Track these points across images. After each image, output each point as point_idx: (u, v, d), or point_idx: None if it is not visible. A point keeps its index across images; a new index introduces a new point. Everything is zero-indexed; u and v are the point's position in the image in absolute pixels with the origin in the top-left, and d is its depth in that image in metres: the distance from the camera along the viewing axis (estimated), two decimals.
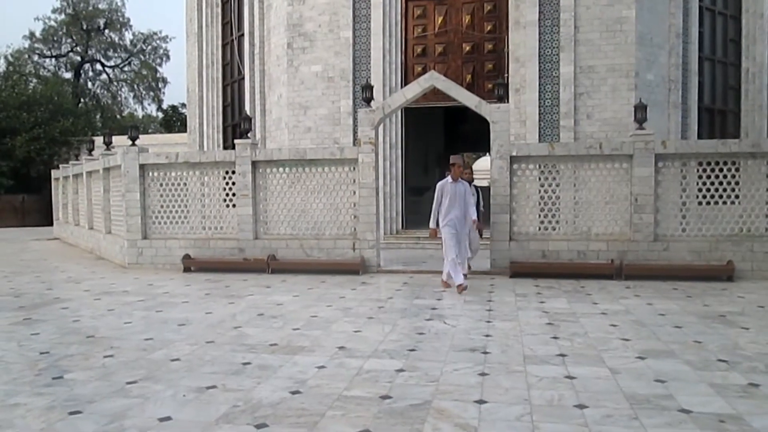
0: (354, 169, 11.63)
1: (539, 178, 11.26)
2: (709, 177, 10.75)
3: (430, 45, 16.25)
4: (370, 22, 15.83)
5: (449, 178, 9.61)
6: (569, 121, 14.95)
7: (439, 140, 25.68)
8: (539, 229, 11.21)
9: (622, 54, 14.92)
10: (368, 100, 11.72)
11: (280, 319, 7.47)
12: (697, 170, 10.80)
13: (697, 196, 10.75)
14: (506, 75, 15.41)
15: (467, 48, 16.05)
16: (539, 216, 11.20)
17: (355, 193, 11.62)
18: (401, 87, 15.20)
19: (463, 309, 7.94)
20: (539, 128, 15.09)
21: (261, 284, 10.25)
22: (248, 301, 8.72)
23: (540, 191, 11.21)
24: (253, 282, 10.49)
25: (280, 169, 12.07)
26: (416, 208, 17.17)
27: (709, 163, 10.76)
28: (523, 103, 15.23)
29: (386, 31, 15.86)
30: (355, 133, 15.37)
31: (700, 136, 16.41)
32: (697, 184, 10.77)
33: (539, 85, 15.14)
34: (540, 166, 11.24)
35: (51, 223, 24.58)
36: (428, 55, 16.24)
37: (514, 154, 11.14)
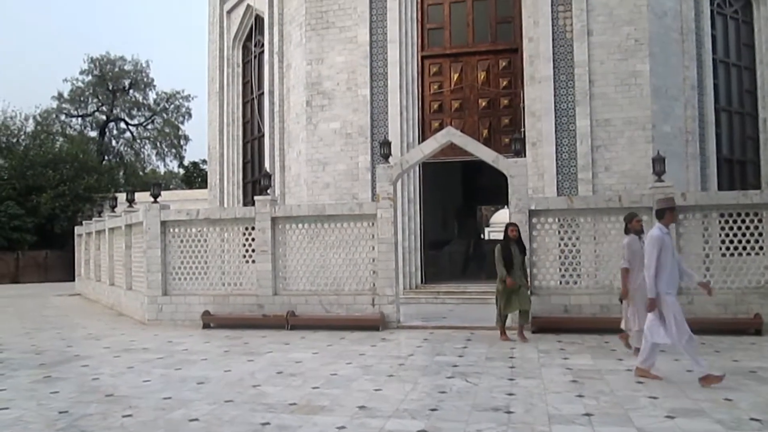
0: (373, 224, 11.67)
1: (559, 232, 11.22)
2: (731, 228, 10.63)
3: (447, 101, 16.50)
4: (387, 79, 16.15)
5: (660, 227, 6.83)
6: (587, 173, 14.97)
7: (456, 194, 25.79)
8: (560, 282, 11.09)
9: (637, 107, 15.02)
10: (386, 156, 11.85)
11: (300, 377, 7.39)
12: (719, 222, 10.69)
13: (720, 248, 10.61)
14: (522, 129, 15.55)
15: (483, 103, 16.28)
16: (560, 269, 11.09)
17: (374, 248, 11.64)
18: (418, 143, 15.37)
19: (484, 366, 7.81)
20: (557, 181, 15.12)
21: (280, 341, 10.18)
22: (267, 359, 8.66)
23: (560, 244, 11.14)
24: (272, 339, 10.43)
25: (300, 225, 12.15)
26: (435, 262, 17.14)
27: (731, 215, 10.66)
28: (540, 156, 15.31)
29: (403, 88, 16.16)
30: (373, 188, 15.50)
31: (720, 187, 16.32)
32: (720, 235, 10.65)
33: (556, 138, 15.25)
34: (559, 220, 11.21)
35: (73, 279, 24.80)
36: (445, 111, 16.47)
37: (532, 207, 11.14)
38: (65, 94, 46.10)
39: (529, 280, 10.47)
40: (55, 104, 45.66)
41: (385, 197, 11.52)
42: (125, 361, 8.75)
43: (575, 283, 11.06)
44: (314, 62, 16.71)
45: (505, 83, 16.23)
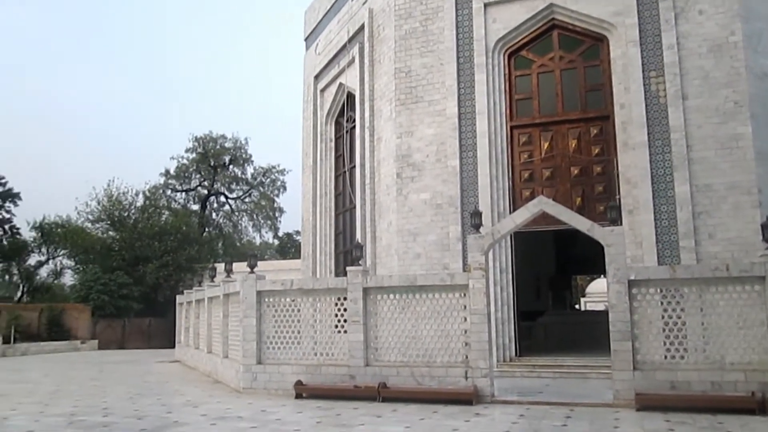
0: (464, 294, 11.54)
1: (661, 303, 10.67)
2: None
3: (537, 170, 16.38)
4: (476, 150, 16.25)
5: None
6: (689, 241, 14.27)
7: (549, 263, 25.18)
8: (665, 357, 10.46)
9: (741, 171, 14.33)
10: (477, 226, 11.81)
11: None
12: None
13: None
14: (618, 197, 15.14)
15: (575, 171, 16.03)
16: (664, 343, 10.48)
17: (466, 319, 11.46)
18: (509, 212, 15.25)
19: None
20: (657, 250, 14.48)
21: (372, 413, 10.08)
22: None
23: (663, 316, 10.57)
24: (364, 411, 10.34)
25: (391, 296, 12.18)
26: (529, 334, 16.64)
27: None
28: (638, 224, 14.79)
29: (492, 159, 16.19)
30: (464, 258, 15.39)
31: None
32: None
33: (654, 205, 14.71)
34: (661, 290, 10.69)
35: (174, 346, 25.73)
36: (535, 180, 16.33)
37: (632, 278, 10.70)
38: (171, 171, 49.26)
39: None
40: (162, 180, 48.85)
41: (476, 267, 11.41)
42: (220, 429, 8.92)
43: (682, 357, 10.40)
44: (404, 135, 17.11)
45: (597, 150, 15.97)
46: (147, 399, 12.50)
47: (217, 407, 11.16)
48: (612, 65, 15.74)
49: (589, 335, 16.92)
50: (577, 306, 40.09)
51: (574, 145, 16.14)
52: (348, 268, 12.64)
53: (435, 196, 16.42)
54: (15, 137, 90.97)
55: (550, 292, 25.76)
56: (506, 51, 16.81)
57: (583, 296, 45.61)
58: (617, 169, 15.43)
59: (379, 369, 11.85)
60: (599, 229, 11.08)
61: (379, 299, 12.25)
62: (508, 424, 8.96)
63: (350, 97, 20.66)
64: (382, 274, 16.46)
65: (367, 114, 18.87)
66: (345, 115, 21.49)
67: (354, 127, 20.08)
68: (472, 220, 11.96)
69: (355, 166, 19.67)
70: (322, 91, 22.83)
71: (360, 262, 12.74)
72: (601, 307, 31.92)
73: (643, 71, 15.25)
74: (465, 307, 11.50)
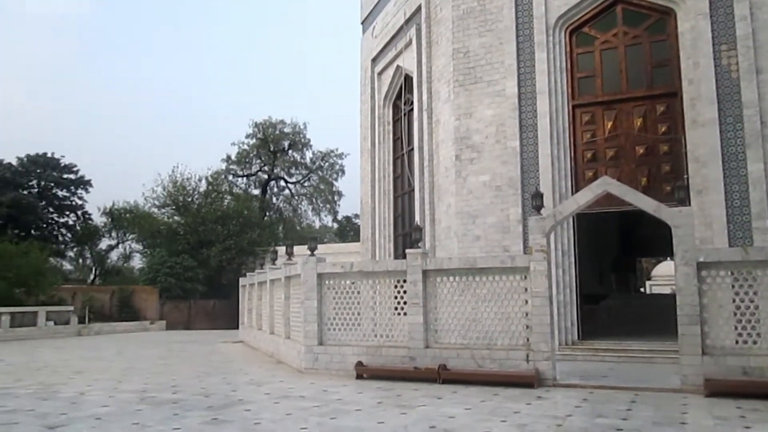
0: (525, 277, 11.39)
1: (733, 286, 10.27)
2: None
3: (601, 150, 15.95)
4: (537, 130, 15.95)
5: None
6: (763, 222, 13.66)
7: (613, 246, 24.58)
8: (737, 342, 10.09)
9: None
10: (538, 208, 11.62)
11: None
12: None
13: None
14: (686, 176, 14.60)
15: (641, 151, 15.53)
16: (736, 328, 10.11)
17: (527, 302, 11.32)
18: (571, 193, 14.92)
19: (652, 431, 7.23)
20: (728, 231, 13.92)
21: (432, 394, 10.11)
22: (420, 413, 8.62)
23: (735, 300, 10.19)
24: (424, 392, 10.38)
25: (451, 278, 12.14)
26: (592, 317, 16.29)
27: None
28: (707, 205, 14.23)
29: (554, 139, 15.85)
30: (525, 240, 15.18)
31: None
32: None
33: (724, 185, 14.12)
34: (733, 273, 10.28)
35: (237, 327, 26.43)
36: (599, 160, 15.91)
37: (701, 260, 10.33)
38: (233, 156, 50.28)
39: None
40: (224, 165, 49.94)
41: (538, 249, 11.24)
42: (284, 408, 9.11)
43: (755, 343, 10.01)
44: (462, 117, 16.93)
45: (663, 129, 15.41)
46: (213, 378, 12.89)
47: (280, 386, 11.41)
48: (679, 39, 15.12)
49: (655, 319, 16.47)
50: (641, 289, 39.09)
51: (639, 123, 15.63)
52: (407, 251, 12.65)
53: (495, 177, 16.21)
54: (85, 126, 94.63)
55: (613, 275, 25.21)
56: (567, 28, 16.37)
57: (649, 279, 44.41)
58: (685, 147, 14.86)
59: (439, 351, 11.87)
60: (666, 209, 10.72)
61: (439, 281, 12.23)
62: (571, 408, 8.84)
63: (408, 79, 20.57)
64: (441, 256, 16.41)
65: (425, 96, 18.74)
66: (403, 97, 21.42)
67: (412, 109, 20.00)
68: (533, 202, 11.78)
69: (413, 149, 19.62)
70: (380, 74, 22.80)
71: (419, 244, 12.73)
72: (667, 290, 31.03)
73: (713, 45, 14.59)
74: (526, 289, 11.37)
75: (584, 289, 16.11)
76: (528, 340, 11.26)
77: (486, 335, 11.66)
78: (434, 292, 12.23)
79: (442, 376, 11.32)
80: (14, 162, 42.13)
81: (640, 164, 15.54)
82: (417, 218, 18.46)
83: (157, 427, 7.79)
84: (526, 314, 11.31)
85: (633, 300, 23.21)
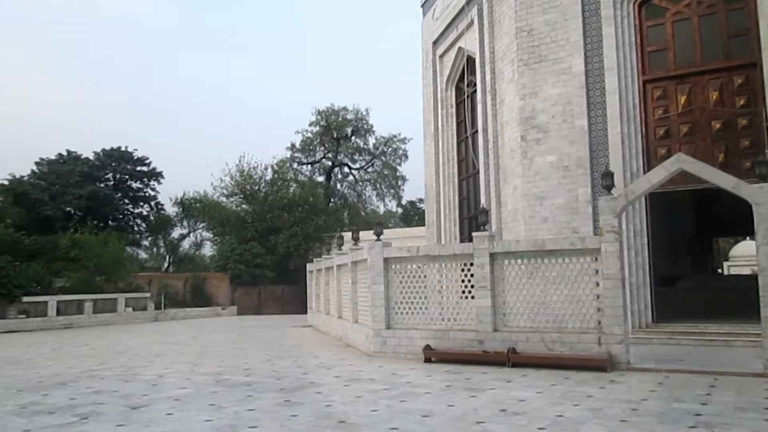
0: (596, 259, 11.12)
1: None
2: None
3: (674, 126, 15.33)
4: (605, 108, 15.46)
5: None
6: None
7: (688, 225, 23.67)
8: None
9: None
10: (609, 188, 11.29)
11: (524, 416, 7.19)
12: None
13: None
14: (767, 151, 13.87)
15: (717, 125, 14.84)
16: None
17: (598, 284, 11.06)
18: (643, 172, 14.42)
19: (734, 417, 6.95)
20: None
21: (501, 378, 10.04)
22: (490, 396, 8.57)
23: None
24: (493, 375, 10.31)
25: (518, 261, 11.98)
26: (667, 299, 15.75)
27: None
28: None
29: (623, 116, 15.34)
30: (595, 221, 14.79)
31: None
32: None
33: None
34: None
35: (305, 311, 26.93)
36: (672, 137, 15.30)
37: None
38: (297, 144, 50.98)
39: None
40: (288, 154, 50.71)
41: (609, 230, 10.94)
42: (354, 391, 9.24)
43: None
44: (527, 96, 16.57)
45: (742, 102, 14.66)
46: (284, 361, 13.18)
47: (350, 369, 11.56)
48: (759, 6, 14.28)
49: (734, 301, 15.76)
50: (719, 270, 37.59)
51: (715, 96, 14.93)
52: (474, 234, 12.55)
53: (562, 158, 15.83)
54: (155, 119, 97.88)
55: (689, 255, 24.28)
56: (636, 1, 15.75)
57: (726, 260, 42.66)
58: (766, 121, 14.11)
59: (508, 334, 11.76)
60: (746, 186, 10.22)
61: (506, 264, 12.09)
62: (646, 392, 8.60)
63: (470, 60, 20.29)
64: (508, 239, 16.21)
65: (488, 77, 18.45)
66: (465, 79, 21.15)
67: (475, 91, 19.74)
68: (603, 182, 11.47)
69: (477, 131, 19.39)
70: (441, 56, 22.58)
71: (486, 227, 12.60)
72: (747, 271, 29.72)
73: None
74: (597, 271, 11.10)
75: (658, 270, 15.58)
76: (600, 323, 11.01)
77: (556, 318, 11.47)
78: (502, 275, 12.10)
79: (512, 360, 11.22)
80: (91, 157, 44.06)
81: (717, 140, 14.86)
82: (482, 201, 18.27)
83: (233, 408, 8.04)
84: (598, 297, 11.06)
85: (710, 281, 22.32)
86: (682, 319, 15.07)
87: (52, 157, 43.03)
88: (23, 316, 25.49)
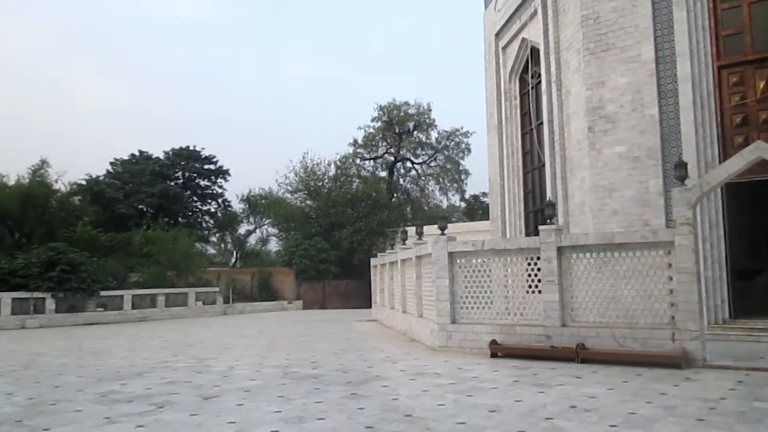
0: (669, 252, 10.74)
1: None
2: None
3: (752, 113, 14.63)
4: (677, 96, 14.89)
5: None
6: None
7: None
8: None
9: None
10: (682, 179, 10.89)
11: (595, 413, 7.03)
12: None
13: None
14: None
15: None
16: None
17: (671, 278, 10.68)
18: (719, 161, 13.85)
19: None
20: None
21: (570, 374, 9.84)
22: (558, 391, 8.41)
23: None
24: (562, 371, 10.11)
25: (587, 254, 11.69)
26: (745, 294, 15.07)
27: None
28: None
29: (697, 104, 14.74)
30: (667, 213, 14.29)
31: None
32: None
33: None
34: None
35: (369, 306, 27.12)
36: (750, 124, 14.61)
37: None
38: (359, 140, 51.34)
39: None
40: (351, 149, 51.15)
41: (683, 223, 10.54)
42: (420, 385, 9.24)
43: None
44: (594, 86, 16.15)
45: None
46: (349, 354, 13.31)
47: (415, 363, 11.57)
48: None
49: None
50: None
51: None
52: (540, 227, 12.33)
53: (632, 148, 15.35)
54: (221, 119, 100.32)
55: None
56: None
57: None
58: None
59: (576, 330, 11.51)
60: None
61: (574, 258, 11.83)
62: (724, 391, 8.25)
63: (534, 51, 19.92)
64: (575, 232, 15.85)
65: (553, 67, 18.08)
66: (529, 70, 20.80)
67: (539, 82, 19.37)
68: (676, 172, 11.07)
69: (542, 123, 19.03)
70: (504, 48, 22.25)
71: (552, 220, 12.37)
72: None
73: None
74: (670, 265, 10.72)
75: (736, 264, 14.93)
76: (673, 318, 10.64)
77: (626, 313, 11.15)
78: (569, 269, 11.84)
79: (581, 355, 10.98)
80: (162, 156, 45.66)
81: None
82: (549, 194, 17.92)
83: (301, 400, 8.18)
84: (671, 291, 10.68)
85: None
86: (762, 315, 14.39)
87: (126, 157, 44.85)
88: (101, 309, 26.69)
